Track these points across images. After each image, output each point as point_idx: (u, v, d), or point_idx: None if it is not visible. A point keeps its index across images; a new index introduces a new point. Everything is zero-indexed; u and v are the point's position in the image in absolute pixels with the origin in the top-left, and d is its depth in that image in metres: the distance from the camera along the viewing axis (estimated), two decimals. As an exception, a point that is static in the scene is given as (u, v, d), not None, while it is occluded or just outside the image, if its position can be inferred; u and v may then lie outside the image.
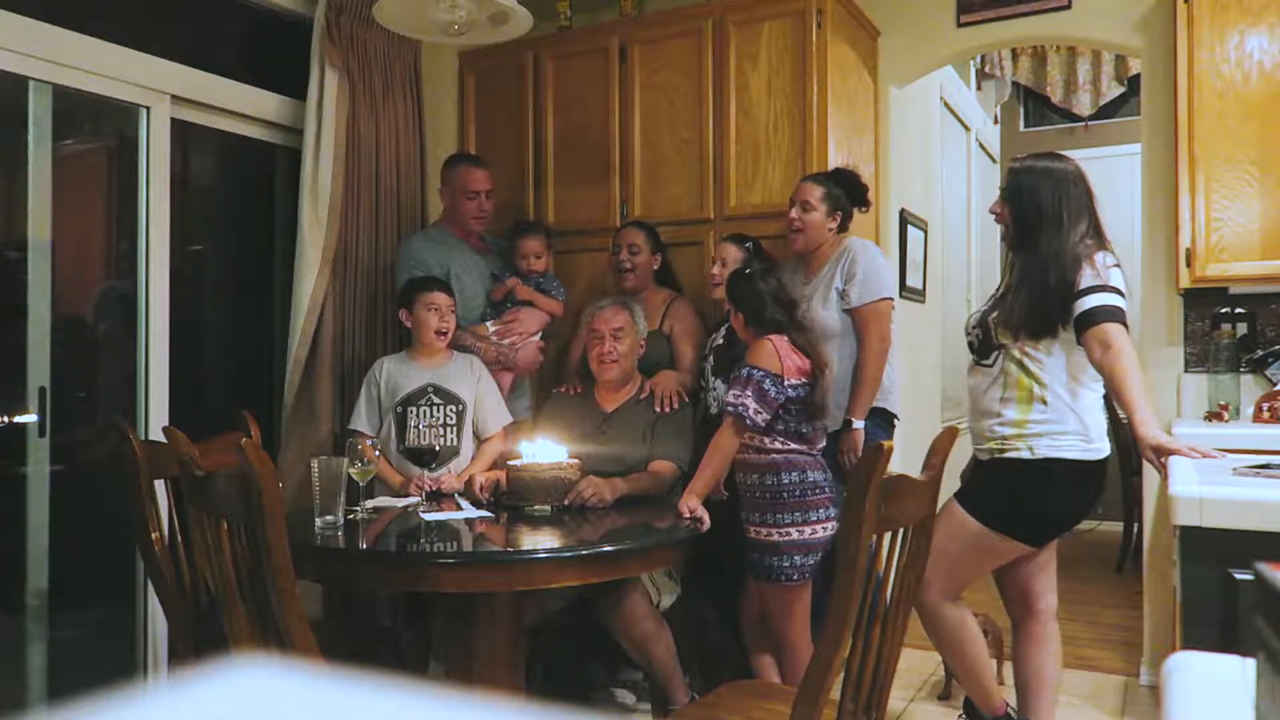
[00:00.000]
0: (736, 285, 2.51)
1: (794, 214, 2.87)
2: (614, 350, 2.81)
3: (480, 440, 2.97)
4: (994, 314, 2.31)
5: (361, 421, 2.92)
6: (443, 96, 3.91)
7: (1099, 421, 2.29)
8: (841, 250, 2.87)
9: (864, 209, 2.99)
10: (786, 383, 2.34)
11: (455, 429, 2.88)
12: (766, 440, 2.37)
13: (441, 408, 2.89)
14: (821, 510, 2.38)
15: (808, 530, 2.35)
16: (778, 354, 2.35)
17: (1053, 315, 2.21)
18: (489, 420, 2.97)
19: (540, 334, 3.25)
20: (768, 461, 2.38)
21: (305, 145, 3.34)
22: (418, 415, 2.88)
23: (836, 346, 2.81)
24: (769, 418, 2.33)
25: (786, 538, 2.35)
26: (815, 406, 2.43)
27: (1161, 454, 2.00)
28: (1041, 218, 2.26)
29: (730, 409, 2.33)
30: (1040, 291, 2.21)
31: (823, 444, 2.50)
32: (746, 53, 3.30)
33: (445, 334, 2.91)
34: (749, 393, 2.32)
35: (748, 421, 2.31)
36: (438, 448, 2.86)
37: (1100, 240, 2.28)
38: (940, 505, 1.95)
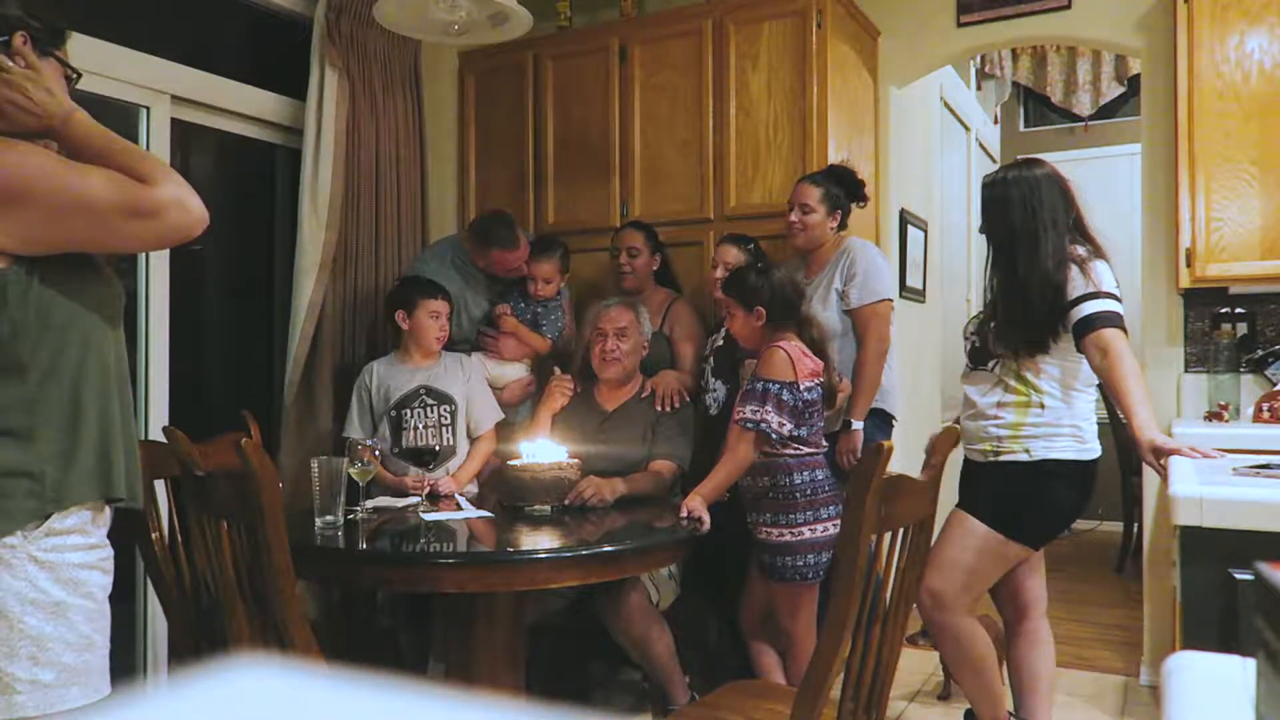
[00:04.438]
0: (746, 282, 2.45)
1: (793, 217, 2.87)
2: (616, 348, 2.81)
3: (473, 438, 2.95)
4: (991, 326, 2.31)
5: (354, 429, 2.90)
6: (443, 96, 3.91)
7: (1092, 423, 2.30)
8: (842, 250, 2.88)
9: (862, 204, 2.99)
10: (802, 387, 2.34)
11: (450, 429, 2.88)
12: (779, 444, 2.37)
13: (435, 408, 2.87)
14: (831, 508, 2.38)
15: (819, 529, 2.36)
16: (791, 361, 2.34)
17: (1044, 334, 2.21)
18: (481, 418, 2.95)
19: (529, 366, 3.19)
20: (780, 464, 2.37)
21: (305, 145, 3.33)
22: (413, 417, 2.86)
23: (837, 347, 2.81)
24: (793, 426, 2.33)
25: (800, 537, 2.35)
26: (829, 398, 2.45)
27: (1160, 455, 2.00)
28: (1014, 236, 2.24)
29: (751, 425, 2.31)
30: (1027, 316, 2.21)
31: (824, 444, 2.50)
32: (746, 53, 3.30)
33: (442, 339, 2.91)
34: (769, 407, 2.30)
35: (774, 436, 2.31)
36: (438, 448, 2.86)
37: (1089, 244, 2.26)
38: (940, 516, 1.95)
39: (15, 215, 1.32)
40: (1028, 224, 2.23)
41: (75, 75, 1.57)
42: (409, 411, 2.87)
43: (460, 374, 2.95)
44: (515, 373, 3.17)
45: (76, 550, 1.41)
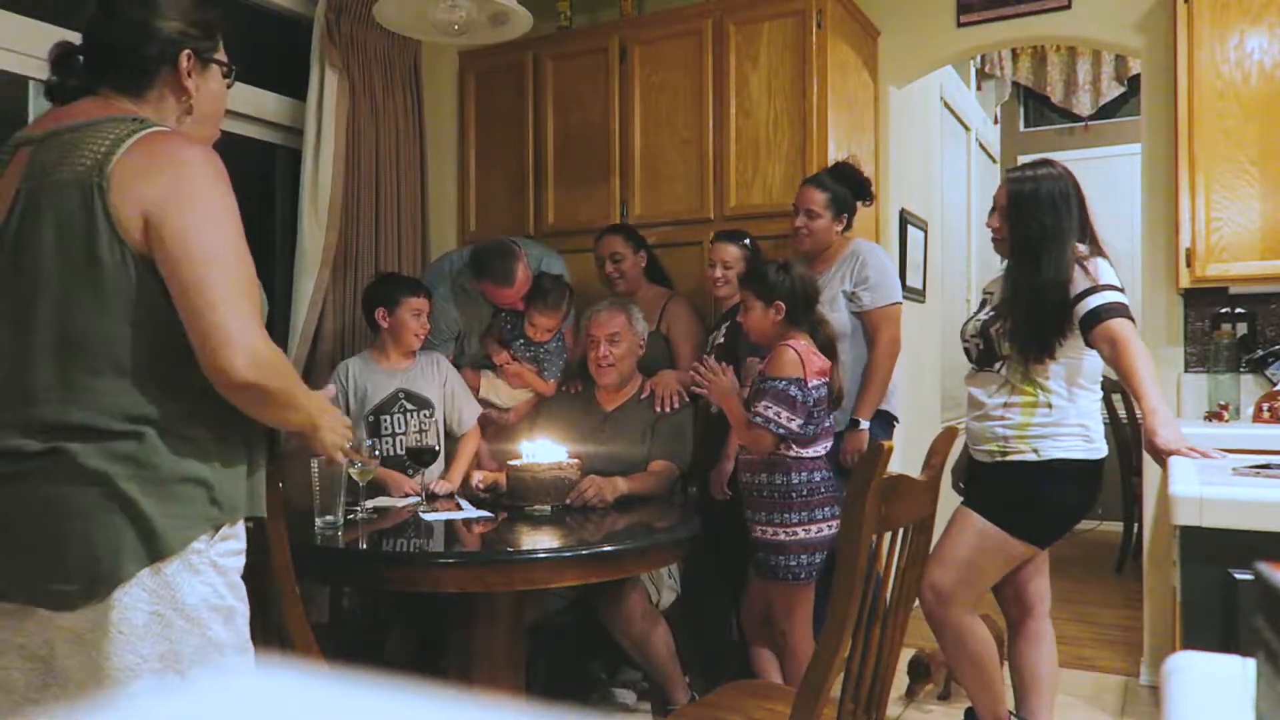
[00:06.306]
0: (767, 277, 2.41)
1: (799, 222, 2.86)
2: (609, 355, 2.80)
3: (457, 436, 2.93)
4: (997, 326, 2.30)
5: None
6: (443, 96, 3.91)
7: (1098, 422, 2.31)
8: (849, 253, 2.87)
9: (868, 202, 2.98)
10: (810, 385, 2.34)
11: (429, 434, 2.86)
12: (786, 444, 2.37)
13: (415, 414, 2.85)
14: (827, 509, 2.38)
15: (814, 529, 2.36)
16: (800, 359, 2.34)
17: (1053, 338, 2.21)
18: (463, 415, 2.93)
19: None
20: (780, 462, 2.37)
21: (305, 145, 3.34)
22: (392, 423, 2.83)
23: (846, 348, 2.81)
24: (802, 422, 2.33)
25: (794, 537, 2.35)
26: (834, 399, 2.44)
27: (1162, 453, 2.00)
28: (1045, 235, 2.24)
29: (761, 421, 2.31)
30: (1040, 317, 2.21)
31: (830, 442, 2.49)
32: (746, 53, 3.30)
33: (421, 338, 2.87)
34: (779, 404, 2.31)
35: (781, 432, 2.31)
36: (437, 448, 2.85)
37: (1094, 245, 2.27)
38: (941, 516, 1.95)
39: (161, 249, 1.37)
40: (1056, 226, 2.23)
41: (232, 71, 1.50)
42: (388, 418, 2.83)
43: (437, 374, 2.93)
44: (524, 395, 3.16)
45: (236, 556, 1.40)
